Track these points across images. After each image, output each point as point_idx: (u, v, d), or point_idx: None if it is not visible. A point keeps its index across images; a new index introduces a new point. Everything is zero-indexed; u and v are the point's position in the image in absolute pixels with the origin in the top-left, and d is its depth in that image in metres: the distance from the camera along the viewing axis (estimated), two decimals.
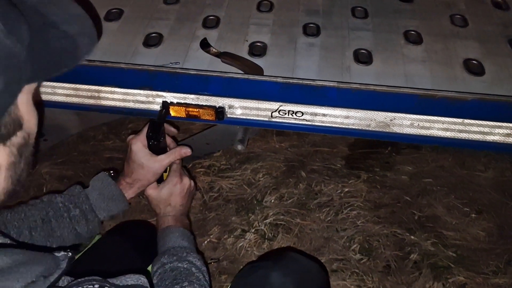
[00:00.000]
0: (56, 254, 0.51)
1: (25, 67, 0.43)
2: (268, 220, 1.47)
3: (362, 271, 1.35)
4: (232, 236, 1.42)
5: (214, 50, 1.03)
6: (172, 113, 0.96)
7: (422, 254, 1.39)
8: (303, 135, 1.73)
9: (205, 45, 1.05)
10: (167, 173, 0.95)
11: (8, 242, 0.56)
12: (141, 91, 0.95)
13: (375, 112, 0.90)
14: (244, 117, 0.95)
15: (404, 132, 0.92)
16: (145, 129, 0.90)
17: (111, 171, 0.92)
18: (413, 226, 1.46)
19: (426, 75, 0.97)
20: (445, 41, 1.06)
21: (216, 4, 1.19)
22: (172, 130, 0.97)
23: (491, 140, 0.90)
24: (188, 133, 1.62)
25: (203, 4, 1.19)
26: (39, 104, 0.53)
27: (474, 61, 1.00)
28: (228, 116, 0.95)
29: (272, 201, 1.53)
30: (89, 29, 0.53)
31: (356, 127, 0.93)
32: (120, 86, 0.95)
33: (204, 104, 0.94)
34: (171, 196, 0.92)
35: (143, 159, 0.89)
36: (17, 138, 0.47)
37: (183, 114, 0.96)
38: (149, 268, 0.96)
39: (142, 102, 0.97)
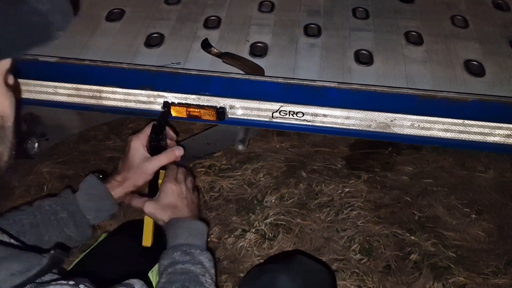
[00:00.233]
0: (44, 254, 0.52)
1: None
2: (268, 220, 1.47)
3: (362, 271, 1.36)
4: (232, 236, 1.43)
5: (215, 50, 1.03)
6: (173, 113, 0.96)
7: (422, 255, 1.39)
8: (304, 135, 1.73)
9: (206, 45, 1.05)
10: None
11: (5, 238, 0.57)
12: (142, 91, 0.95)
13: (376, 112, 0.90)
14: (245, 117, 0.95)
15: (405, 132, 0.92)
16: (147, 129, 0.89)
17: (100, 175, 0.90)
18: (413, 226, 1.46)
19: (427, 75, 0.97)
20: (445, 42, 1.06)
21: (217, 5, 1.19)
22: (172, 135, 0.95)
23: (491, 141, 0.90)
24: (189, 133, 1.62)
25: (204, 5, 1.19)
26: (14, 88, 0.52)
27: (474, 62, 1.00)
28: (229, 116, 0.95)
29: (273, 201, 1.53)
30: (63, 6, 0.51)
31: (357, 128, 0.93)
32: (121, 86, 0.96)
33: (205, 104, 0.94)
34: (172, 199, 0.87)
35: (138, 158, 0.88)
36: None
37: (184, 114, 0.96)
38: (154, 268, 0.96)
39: (143, 102, 0.97)
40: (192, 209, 0.89)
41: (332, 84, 0.88)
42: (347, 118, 0.92)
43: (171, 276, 0.74)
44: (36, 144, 1.41)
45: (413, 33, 1.09)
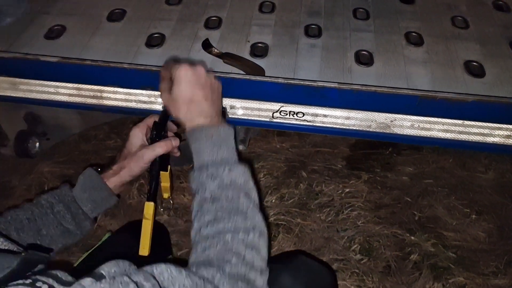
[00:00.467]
0: (23, 254, 0.51)
1: None
2: (269, 220, 1.48)
3: (362, 271, 1.36)
4: None
5: (216, 50, 1.04)
6: None
7: (422, 255, 1.39)
8: (304, 135, 1.74)
9: (207, 45, 1.05)
10: (168, 184, 0.94)
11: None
12: (143, 91, 0.95)
13: (376, 113, 0.91)
14: (245, 117, 0.95)
15: (405, 133, 0.92)
16: (147, 119, 0.89)
17: (98, 168, 0.88)
18: (413, 226, 1.47)
19: (427, 76, 0.97)
20: (446, 43, 1.06)
21: (218, 5, 1.19)
22: (172, 126, 0.94)
23: (491, 142, 0.90)
24: None
25: (205, 5, 1.19)
26: None
27: (474, 63, 1.00)
28: (230, 116, 0.95)
29: (273, 201, 1.54)
30: None
31: (357, 128, 0.93)
32: (122, 86, 0.96)
33: None
34: (186, 89, 0.77)
35: (136, 146, 0.86)
36: None
37: None
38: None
39: (144, 102, 0.97)
40: (212, 103, 0.79)
41: (333, 85, 0.88)
42: (347, 118, 0.92)
43: (202, 206, 0.70)
44: (37, 144, 1.41)
45: (414, 33, 1.09)
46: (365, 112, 0.91)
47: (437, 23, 1.13)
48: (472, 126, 0.89)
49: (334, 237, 1.44)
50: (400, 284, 1.34)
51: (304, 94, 0.90)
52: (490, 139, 0.90)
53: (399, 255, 1.40)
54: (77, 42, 1.06)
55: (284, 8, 1.18)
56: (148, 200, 0.86)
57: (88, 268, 0.52)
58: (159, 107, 0.97)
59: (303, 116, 0.93)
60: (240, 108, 0.94)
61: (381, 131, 0.93)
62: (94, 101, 0.99)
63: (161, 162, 0.90)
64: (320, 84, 0.88)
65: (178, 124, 0.96)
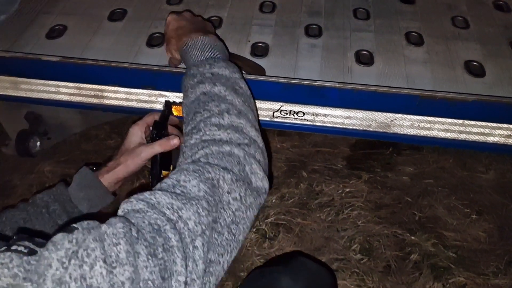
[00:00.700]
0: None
1: None
2: (269, 220, 1.48)
3: (363, 271, 1.36)
4: None
5: None
6: (175, 113, 0.96)
7: (422, 255, 1.39)
8: (305, 135, 1.74)
9: None
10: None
11: None
12: (144, 91, 0.96)
13: (376, 112, 0.91)
14: None
15: (405, 132, 0.93)
16: (146, 117, 0.89)
17: (94, 166, 0.88)
18: (413, 226, 1.47)
19: (427, 76, 0.97)
20: (446, 43, 1.07)
21: (219, 5, 1.20)
22: (174, 120, 0.95)
23: (491, 141, 0.91)
24: None
25: (205, 5, 1.20)
26: None
27: (475, 63, 1.00)
28: None
29: (273, 200, 1.54)
30: None
31: (357, 128, 0.94)
32: (123, 85, 0.96)
33: None
34: (174, 24, 0.85)
35: (134, 143, 0.86)
36: None
37: None
38: None
39: (145, 101, 0.98)
40: (198, 23, 0.85)
41: (333, 84, 0.88)
42: (348, 118, 0.93)
43: (185, 106, 0.70)
44: (38, 143, 1.42)
45: (414, 33, 1.09)
46: (365, 111, 0.91)
47: (437, 23, 1.14)
48: (472, 126, 0.90)
49: (334, 237, 1.44)
50: (400, 284, 1.34)
51: (304, 93, 0.90)
52: (490, 139, 0.90)
53: (399, 255, 1.40)
54: (78, 42, 1.06)
55: (285, 8, 1.19)
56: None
57: None
58: (160, 107, 0.97)
59: (303, 115, 0.94)
60: None
61: (381, 130, 0.93)
62: (95, 100, 1.00)
63: (164, 161, 0.90)
64: (320, 83, 0.89)
65: (178, 127, 0.97)
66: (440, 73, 0.98)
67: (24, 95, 1.01)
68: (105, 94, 0.98)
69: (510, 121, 0.88)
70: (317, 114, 0.93)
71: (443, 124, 0.90)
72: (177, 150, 1.33)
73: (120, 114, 1.45)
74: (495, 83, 0.95)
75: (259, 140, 0.68)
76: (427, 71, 0.99)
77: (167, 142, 0.85)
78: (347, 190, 1.57)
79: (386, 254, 1.40)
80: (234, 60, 1.01)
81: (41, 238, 0.46)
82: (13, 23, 1.09)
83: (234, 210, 0.57)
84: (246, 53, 1.04)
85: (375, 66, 1.00)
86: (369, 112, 0.91)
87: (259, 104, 0.93)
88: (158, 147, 0.85)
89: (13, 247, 0.43)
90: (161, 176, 0.92)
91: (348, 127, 0.94)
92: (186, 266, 0.49)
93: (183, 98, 0.73)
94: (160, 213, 0.51)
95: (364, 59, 1.02)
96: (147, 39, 1.07)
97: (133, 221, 0.49)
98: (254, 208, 0.61)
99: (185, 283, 0.48)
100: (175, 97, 0.95)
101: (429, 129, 0.91)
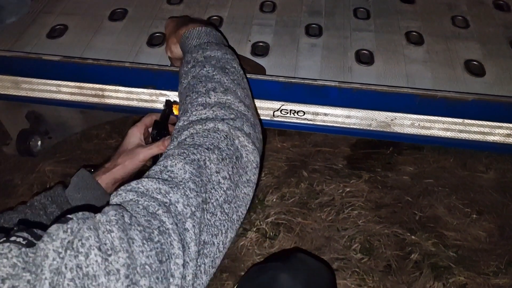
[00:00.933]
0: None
1: None
2: (269, 219, 1.48)
3: (363, 270, 1.36)
4: None
5: None
6: (175, 112, 0.97)
7: (422, 254, 1.39)
8: (305, 135, 1.74)
9: None
10: None
11: None
12: (145, 90, 0.96)
13: (376, 112, 0.91)
14: None
15: (405, 132, 0.93)
16: (145, 119, 0.88)
17: (92, 168, 0.87)
18: (414, 226, 1.46)
19: (427, 75, 0.98)
20: (446, 42, 1.07)
21: (219, 5, 1.20)
22: (175, 119, 0.95)
23: (491, 140, 0.91)
24: None
25: (206, 5, 1.20)
26: None
27: (475, 62, 1.00)
28: None
29: (274, 200, 1.54)
30: None
31: (357, 127, 0.94)
32: (124, 84, 0.96)
33: None
34: (172, 25, 0.85)
35: (132, 144, 0.86)
36: None
37: None
38: None
39: (146, 100, 0.98)
40: (197, 19, 0.85)
41: (333, 84, 0.88)
42: (348, 117, 0.93)
43: (180, 92, 0.70)
44: (39, 142, 1.42)
45: (414, 33, 1.09)
46: (366, 111, 0.91)
47: (437, 22, 1.14)
48: (472, 125, 0.90)
49: (335, 236, 1.44)
50: (400, 284, 1.34)
51: (304, 93, 0.90)
52: (490, 138, 0.91)
53: (399, 254, 1.40)
54: (79, 41, 1.07)
55: (285, 8, 1.19)
56: None
57: None
58: (160, 106, 0.97)
59: (303, 114, 0.94)
60: None
61: (381, 130, 0.93)
62: (95, 99, 1.00)
63: None
64: (320, 83, 0.89)
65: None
66: (440, 73, 0.98)
67: (25, 95, 1.01)
68: (106, 93, 0.98)
69: (510, 120, 0.88)
70: (317, 114, 0.93)
71: (443, 123, 0.90)
72: None
73: (121, 113, 1.45)
74: (495, 83, 0.96)
75: (250, 114, 0.66)
76: (427, 71, 0.99)
77: (165, 143, 0.85)
78: (348, 189, 1.57)
79: (386, 253, 1.40)
80: None
81: (40, 230, 0.46)
82: (14, 23, 1.09)
83: (225, 189, 0.57)
84: (246, 53, 1.04)
85: (375, 66, 1.00)
86: (369, 111, 0.91)
87: (260, 103, 0.93)
88: (156, 149, 0.85)
89: (12, 238, 0.43)
90: None
91: (348, 126, 0.94)
92: (184, 248, 0.49)
93: (179, 86, 0.73)
94: (152, 199, 0.51)
95: (364, 58, 1.02)
96: (147, 39, 1.08)
97: (127, 208, 0.49)
98: (246, 185, 0.60)
99: (183, 265, 0.48)
100: (175, 96, 0.96)
101: (429, 128, 0.91)
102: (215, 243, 0.54)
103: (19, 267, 0.41)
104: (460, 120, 0.89)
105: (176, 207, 0.51)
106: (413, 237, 1.43)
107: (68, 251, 0.42)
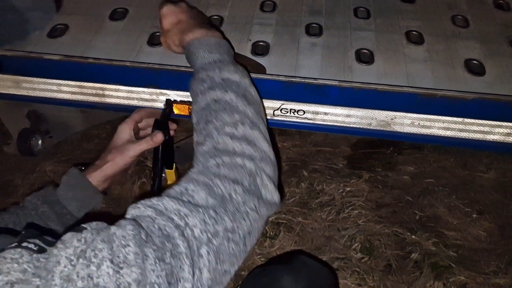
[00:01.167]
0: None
1: None
2: (269, 219, 1.48)
3: (363, 270, 1.36)
4: None
5: None
6: (176, 111, 0.97)
7: (423, 254, 1.39)
8: (306, 135, 1.74)
9: None
10: (174, 182, 0.93)
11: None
12: (145, 89, 0.96)
13: (376, 111, 0.91)
14: None
15: (405, 131, 0.93)
16: (134, 114, 0.89)
17: (82, 166, 0.88)
18: (414, 226, 1.47)
19: (428, 75, 0.98)
20: (446, 42, 1.07)
21: (220, 4, 1.20)
22: (173, 125, 0.95)
23: (491, 140, 0.91)
24: (190, 131, 1.63)
25: (206, 4, 1.20)
26: None
27: (475, 61, 1.00)
28: None
29: None
30: (45, 3, 0.51)
31: (357, 126, 0.94)
32: (124, 84, 0.97)
33: None
34: (171, 17, 0.84)
35: (122, 140, 0.86)
36: None
37: (186, 112, 0.97)
38: None
39: (146, 100, 0.98)
40: (199, 19, 0.83)
41: (333, 83, 0.88)
42: (348, 116, 0.93)
43: (195, 111, 0.69)
44: (40, 142, 1.42)
45: (414, 32, 1.09)
46: (366, 110, 0.91)
47: (437, 22, 1.14)
48: (472, 124, 0.90)
49: (335, 236, 1.45)
50: (400, 283, 1.34)
51: (305, 92, 0.91)
52: (490, 137, 0.91)
53: (400, 254, 1.40)
54: (79, 41, 1.07)
55: (285, 7, 1.19)
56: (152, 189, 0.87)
57: None
58: (160, 105, 0.97)
59: (304, 114, 0.94)
60: None
61: (381, 129, 0.93)
62: (96, 99, 1.00)
63: (166, 159, 0.90)
64: (321, 82, 0.89)
65: (177, 121, 0.97)
66: (440, 72, 0.98)
67: (26, 94, 1.02)
68: (107, 92, 0.98)
69: (510, 119, 0.88)
70: (317, 113, 0.93)
71: (443, 123, 0.90)
72: (178, 149, 1.35)
73: (122, 113, 1.45)
74: (495, 82, 0.96)
75: (271, 154, 0.68)
76: (428, 70, 0.99)
77: (154, 138, 0.86)
78: (348, 189, 1.57)
79: (386, 253, 1.40)
80: (235, 59, 1.01)
81: (50, 236, 0.47)
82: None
83: (252, 220, 0.57)
84: (247, 52, 1.04)
85: (376, 65, 1.00)
86: (370, 110, 0.91)
87: None
88: (145, 144, 0.85)
89: (24, 244, 0.44)
90: (163, 174, 0.93)
91: (348, 125, 0.94)
92: (194, 273, 0.49)
93: (193, 104, 0.72)
94: (168, 219, 0.51)
95: (365, 57, 1.02)
96: (148, 38, 1.08)
97: (143, 224, 0.50)
98: (264, 219, 0.61)
99: None
100: (176, 95, 0.96)
101: (429, 127, 0.91)
102: (231, 271, 0.55)
103: (29, 272, 0.41)
104: (460, 119, 0.89)
105: (193, 231, 0.52)
106: (413, 236, 1.44)
107: (81, 260, 0.43)
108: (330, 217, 1.50)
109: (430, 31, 1.10)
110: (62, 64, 0.94)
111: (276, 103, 0.93)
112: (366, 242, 1.43)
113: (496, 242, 1.43)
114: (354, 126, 0.94)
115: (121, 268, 0.43)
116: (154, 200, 0.54)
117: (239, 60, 1.01)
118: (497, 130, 0.89)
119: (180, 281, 0.47)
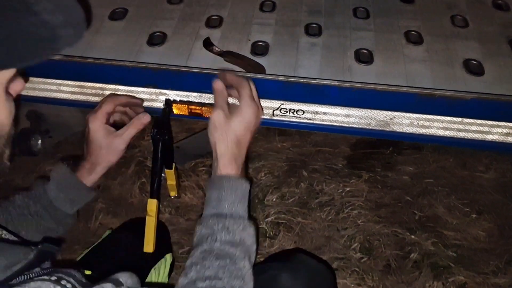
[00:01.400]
0: (32, 247, 0.51)
1: None
2: (269, 219, 1.48)
3: (363, 270, 1.36)
4: None
5: (217, 49, 1.05)
6: (175, 111, 0.97)
7: (422, 254, 1.39)
8: (305, 135, 1.74)
9: (208, 44, 1.06)
10: (174, 182, 0.93)
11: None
12: (145, 89, 0.96)
13: (375, 111, 0.91)
14: None
15: (404, 130, 0.93)
16: (103, 106, 0.86)
17: (71, 161, 0.87)
18: (413, 225, 1.47)
19: (427, 75, 0.98)
20: (445, 41, 1.07)
21: (219, 4, 1.20)
22: (136, 101, 0.92)
23: (490, 139, 0.91)
24: (190, 131, 1.63)
25: (206, 4, 1.20)
26: (15, 97, 0.51)
27: (474, 61, 1.01)
28: None
29: (274, 200, 1.54)
30: (77, 20, 0.50)
31: (357, 126, 0.94)
32: (124, 84, 0.97)
33: (207, 102, 0.95)
34: (243, 131, 0.75)
35: (102, 138, 0.83)
36: None
37: (185, 112, 0.97)
38: (156, 266, 0.96)
39: (146, 99, 0.98)
40: (246, 150, 0.77)
41: (333, 83, 0.89)
42: (347, 116, 0.93)
43: (205, 257, 0.67)
44: (40, 142, 1.42)
45: (413, 32, 1.10)
46: (365, 109, 0.91)
47: (436, 22, 1.14)
48: (471, 124, 0.90)
49: (335, 236, 1.45)
50: (400, 283, 1.34)
51: (304, 92, 0.91)
52: (489, 137, 0.91)
53: (399, 254, 1.40)
54: (79, 40, 1.07)
55: (285, 7, 1.19)
56: (151, 197, 0.87)
57: (89, 263, 0.52)
58: (160, 105, 0.97)
59: (303, 113, 0.94)
60: None
61: (380, 129, 0.94)
62: (96, 99, 1.00)
63: (166, 159, 0.90)
64: (320, 82, 0.89)
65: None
66: (439, 72, 0.98)
67: (26, 94, 1.01)
68: (106, 92, 0.98)
69: (509, 119, 0.88)
70: (316, 113, 0.93)
71: (442, 122, 0.90)
72: (178, 149, 1.34)
73: None
74: (494, 82, 0.96)
75: None
76: (427, 70, 0.99)
77: (138, 121, 0.85)
78: (347, 189, 1.57)
79: (386, 253, 1.40)
80: (234, 58, 1.02)
81: (59, 245, 0.47)
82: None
83: None
84: (246, 52, 1.04)
85: (375, 65, 1.00)
86: (369, 110, 0.91)
87: (260, 102, 0.93)
88: (132, 129, 0.84)
89: (63, 282, 0.46)
90: (163, 174, 0.93)
91: (347, 125, 0.94)
92: None
93: (207, 238, 0.69)
94: None
95: (364, 57, 1.02)
96: (148, 38, 1.08)
97: None
98: None
99: None
100: (175, 95, 0.96)
101: (428, 127, 0.92)
102: None
103: None
104: (459, 119, 0.89)
105: None
106: (412, 236, 1.44)
107: None
108: (330, 217, 1.50)
109: (429, 31, 1.10)
110: (62, 64, 0.94)
111: (275, 103, 0.93)
112: (366, 242, 1.43)
113: (496, 242, 1.44)
114: (354, 126, 0.94)
115: None
116: None
117: (238, 60, 1.02)
118: (496, 130, 0.89)
119: None
